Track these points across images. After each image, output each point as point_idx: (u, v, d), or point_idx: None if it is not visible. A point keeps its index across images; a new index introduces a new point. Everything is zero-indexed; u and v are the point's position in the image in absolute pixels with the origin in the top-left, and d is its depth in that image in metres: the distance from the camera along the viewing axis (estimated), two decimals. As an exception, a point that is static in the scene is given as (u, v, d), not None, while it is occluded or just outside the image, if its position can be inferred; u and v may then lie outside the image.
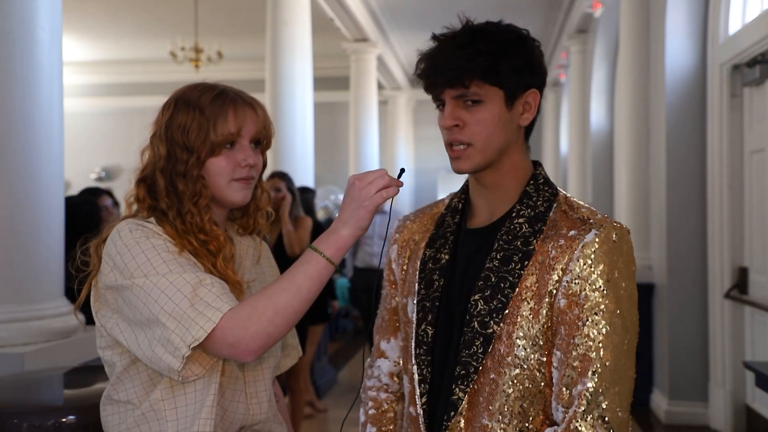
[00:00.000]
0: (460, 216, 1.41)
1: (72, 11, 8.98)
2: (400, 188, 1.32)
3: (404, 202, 13.39)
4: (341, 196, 12.09)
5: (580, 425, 1.18)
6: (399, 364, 1.50)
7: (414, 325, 1.37)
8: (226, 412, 1.40)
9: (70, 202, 3.79)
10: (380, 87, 11.38)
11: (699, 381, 4.94)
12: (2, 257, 2.70)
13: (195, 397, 1.34)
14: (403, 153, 13.77)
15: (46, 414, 1.93)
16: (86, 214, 3.60)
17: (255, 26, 8.85)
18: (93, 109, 13.25)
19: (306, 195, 5.40)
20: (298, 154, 6.40)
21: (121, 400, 1.40)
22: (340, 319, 8.47)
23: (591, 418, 1.18)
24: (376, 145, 10.56)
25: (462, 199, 1.43)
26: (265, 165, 1.51)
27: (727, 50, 4.60)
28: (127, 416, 1.38)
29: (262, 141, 1.47)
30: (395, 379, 1.51)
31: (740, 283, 4.56)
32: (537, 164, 1.38)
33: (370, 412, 1.51)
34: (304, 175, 6.36)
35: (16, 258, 2.73)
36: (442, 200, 1.50)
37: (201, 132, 1.38)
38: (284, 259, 4.08)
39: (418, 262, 1.41)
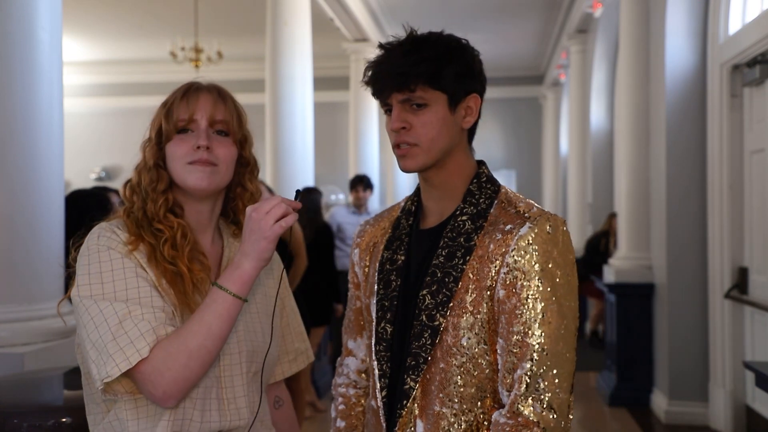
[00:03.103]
0: (414, 218, 1.48)
1: (72, 11, 8.98)
2: (299, 209, 1.35)
3: (404, 202, 13.38)
4: (342, 196, 12.09)
5: (521, 406, 1.26)
6: (366, 361, 1.58)
7: (374, 324, 1.44)
8: (202, 423, 1.38)
9: (78, 193, 3.79)
10: (380, 87, 11.36)
11: (699, 381, 4.94)
12: (2, 257, 2.70)
13: (155, 409, 1.35)
14: (403, 153, 13.76)
15: (46, 414, 1.93)
16: (93, 205, 3.59)
17: (255, 26, 8.85)
18: (93, 109, 13.24)
19: (313, 195, 5.39)
20: (298, 154, 6.40)
21: (90, 402, 1.42)
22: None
23: (531, 399, 1.26)
24: (376, 145, 10.56)
25: (414, 202, 1.50)
26: (255, 165, 1.51)
27: (727, 50, 4.61)
28: (98, 419, 1.40)
29: (232, 132, 1.45)
30: (363, 375, 1.60)
31: (740, 283, 4.57)
32: (481, 163, 1.46)
33: (340, 407, 1.60)
34: (304, 175, 6.35)
35: (16, 258, 2.73)
36: (399, 203, 1.58)
37: (157, 121, 1.43)
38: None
39: (377, 264, 1.48)
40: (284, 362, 1.64)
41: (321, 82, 9.40)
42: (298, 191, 1.42)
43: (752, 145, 4.49)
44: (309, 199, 5.30)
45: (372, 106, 10.31)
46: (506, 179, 13.41)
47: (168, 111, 1.42)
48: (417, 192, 1.51)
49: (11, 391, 2.17)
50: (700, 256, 4.97)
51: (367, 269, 1.52)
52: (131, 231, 1.39)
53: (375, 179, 10.20)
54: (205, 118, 1.42)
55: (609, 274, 5.74)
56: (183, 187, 1.43)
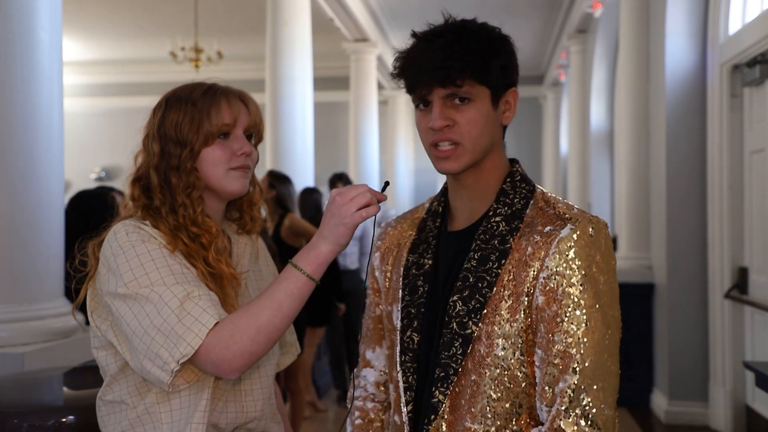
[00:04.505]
0: (441, 220, 1.40)
1: (72, 11, 8.98)
2: (384, 201, 1.32)
3: (404, 202, 13.39)
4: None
5: (563, 423, 1.16)
6: (385, 373, 1.49)
7: (399, 332, 1.35)
8: (221, 414, 1.41)
9: (84, 194, 3.80)
10: (380, 87, 11.38)
11: (699, 381, 4.94)
12: (2, 257, 2.70)
13: (189, 401, 1.35)
14: (403, 153, 13.76)
15: (46, 414, 1.93)
16: (99, 206, 3.59)
17: (255, 26, 8.85)
18: (93, 109, 13.24)
19: (313, 195, 5.40)
20: (298, 154, 6.40)
21: (115, 401, 1.41)
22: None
23: (574, 416, 1.16)
24: (376, 145, 10.55)
25: (442, 203, 1.42)
26: (257, 160, 1.52)
27: (727, 50, 4.60)
28: (122, 417, 1.39)
29: (254, 135, 1.48)
30: (381, 388, 1.50)
31: (740, 283, 4.56)
32: (514, 161, 1.37)
33: (357, 422, 1.49)
34: (304, 175, 6.36)
35: (16, 258, 2.73)
36: (423, 204, 1.49)
37: (194, 124, 1.39)
38: (279, 248, 4.12)
39: (402, 269, 1.39)
40: (279, 355, 1.65)
41: (321, 82, 9.40)
42: (386, 183, 1.39)
43: (752, 145, 4.49)
44: (309, 199, 5.31)
45: (372, 106, 10.31)
46: (506, 179, 13.38)
47: (208, 113, 1.40)
48: (443, 192, 1.43)
49: (11, 391, 2.17)
50: (700, 256, 4.96)
51: (389, 274, 1.43)
52: (164, 231, 1.38)
53: (375, 179, 10.20)
54: (244, 124, 1.44)
55: (609, 274, 5.73)
56: (218, 191, 1.44)
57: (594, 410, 1.16)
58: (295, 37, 6.47)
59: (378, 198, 1.30)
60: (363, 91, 10.15)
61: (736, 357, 4.62)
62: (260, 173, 4.47)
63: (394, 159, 13.35)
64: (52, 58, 2.86)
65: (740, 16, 4.61)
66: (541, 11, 9.58)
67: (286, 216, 4.49)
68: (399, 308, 1.37)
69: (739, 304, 4.60)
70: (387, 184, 1.39)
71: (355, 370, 1.55)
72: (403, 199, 13.47)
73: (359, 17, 8.96)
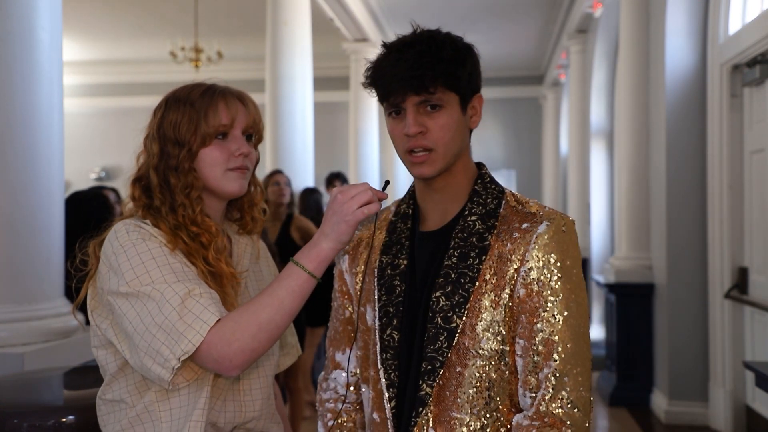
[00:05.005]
0: (412, 221, 1.44)
1: (72, 11, 8.98)
2: (384, 200, 1.35)
3: (404, 202, 13.37)
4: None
5: (549, 407, 1.25)
6: (356, 374, 1.51)
7: (378, 332, 1.39)
8: (220, 413, 1.41)
9: (80, 195, 3.80)
10: (380, 87, 11.35)
11: (699, 381, 4.94)
12: (2, 257, 2.70)
13: (188, 399, 1.36)
14: (403, 153, 13.75)
15: (46, 414, 1.93)
16: (97, 207, 3.59)
17: (255, 26, 8.85)
18: (93, 109, 13.24)
19: (314, 195, 5.41)
20: (298, 154, 6.40)
21: (115, 399, 1.41)
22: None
23: (559, 400, 1.25)
24: (376, 145, 10.55)
25: (411, 205, 1.46)
26: (258, 160, 1.52)
27: (727, 50, 4.60)
28: (122, 415, 1.39)
29: (254, 135, 1.49)
30: (352, 389, 1.53)
31: (740, 283, 4.56)
32: (481, 165, 1.45)
33: (329, 423, 1.52)
34: (304, 175, 6.36)
35: (16, 258, 2.73)
36: (388, 208, 1.53)
37: (191, 124, 1.40)
38: (289, 248, 4.12)
39: (375, 270, 1.43)
40: (279, 356, 1.65)
41: (321, 82, 9.40)
42: (386, 182, 1.43)
43: (752, 145, 4.49)
44: (310, 199, 5.31)
45: (372, 106, 10.30)
46: (506, 179, 13.41)
47: (206, 114, 1.40)
48: (411, 194, 1.47)
49: (11, 391, 2.17)
50: (700, 256, 4.96)
51: (360, 276, 1.47)
52: (165, 230, 1.38)
53: (375, 179, 10.20)
54: (242, 125, 1.44)
55: (609, 274, 5.74)
56: (216, 191, 1.44)
57: (574, 393, 1.26)
58: (295, 37, 6.47)
59: (379, 196, 1.33)
60: (363, 91, 10.06)
61: (736, 357, 4.62)
62: (261, 174, 4.46)
63: (394, 159, 13.32)
64: (52, 58, 2.86)
65: (740, 16, 4.61)
66: (541, 11, 9.57)
67: (293, 216, 4.51)
68: (376, 308, 1.40)
69: (739, 304, 4.60)
70: (387, 183, 1.43)
71: (321, 373, 1.58)
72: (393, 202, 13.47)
73: (359, 17, 8.96)
